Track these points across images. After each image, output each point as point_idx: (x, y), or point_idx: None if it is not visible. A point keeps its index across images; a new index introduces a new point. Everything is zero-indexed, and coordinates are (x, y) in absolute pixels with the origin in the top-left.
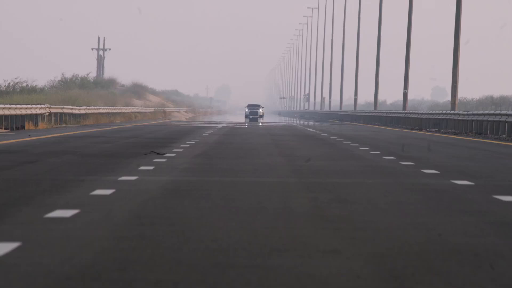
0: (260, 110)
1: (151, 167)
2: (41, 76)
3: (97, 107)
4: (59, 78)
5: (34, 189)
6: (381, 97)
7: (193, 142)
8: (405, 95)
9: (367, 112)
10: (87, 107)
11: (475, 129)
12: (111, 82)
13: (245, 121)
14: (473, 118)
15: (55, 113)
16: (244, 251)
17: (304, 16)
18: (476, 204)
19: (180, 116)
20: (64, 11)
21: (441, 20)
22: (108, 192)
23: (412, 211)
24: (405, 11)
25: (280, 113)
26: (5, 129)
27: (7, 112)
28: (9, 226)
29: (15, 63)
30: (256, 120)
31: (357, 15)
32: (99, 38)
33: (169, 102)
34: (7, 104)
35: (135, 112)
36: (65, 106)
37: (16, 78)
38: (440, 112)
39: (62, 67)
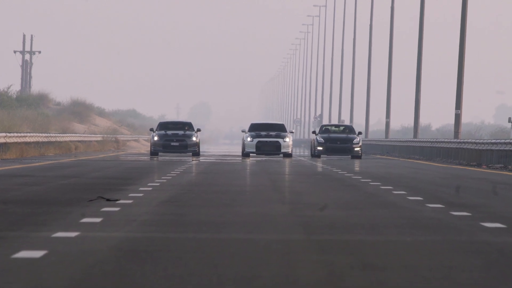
0: (286, 139)
1: (98, 219)
2: None
3: (22, 134)
4: None
5: None
6: (423, 120)
7: (158, 184)
8: (457, 117)
9: (403, 140)
10: (8, 134)
11: None
12: (42, 99)
13: (242, 158)
14: None
15: None
16: None
17: (315, 5)
18: None
19: (140, 147)
20: None
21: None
22: (37, 254)
23: (468, 281)
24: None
25: None
26: None
27: None
28: None
29: None
30: (283, 156)
31: (390, 5)
32: (24, 36)
33: (123, 127)
34: None
35: (76, 141)
36: None
37: None
38: (508, 140)
39: None
